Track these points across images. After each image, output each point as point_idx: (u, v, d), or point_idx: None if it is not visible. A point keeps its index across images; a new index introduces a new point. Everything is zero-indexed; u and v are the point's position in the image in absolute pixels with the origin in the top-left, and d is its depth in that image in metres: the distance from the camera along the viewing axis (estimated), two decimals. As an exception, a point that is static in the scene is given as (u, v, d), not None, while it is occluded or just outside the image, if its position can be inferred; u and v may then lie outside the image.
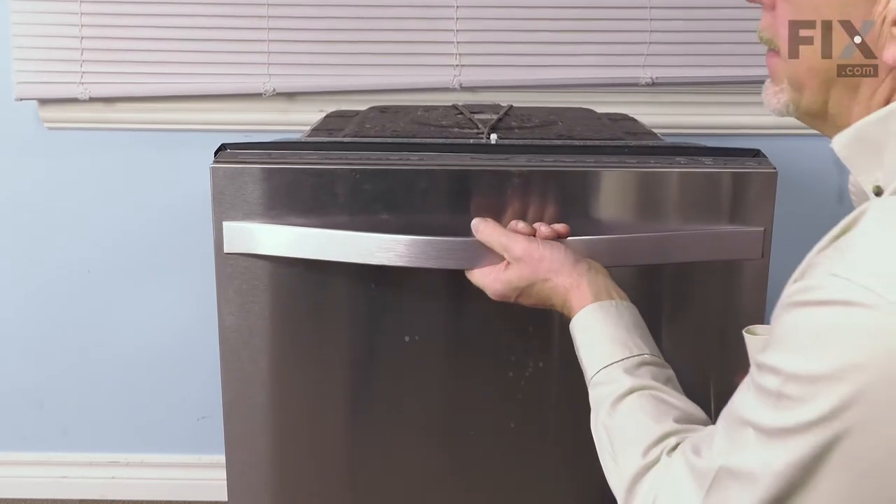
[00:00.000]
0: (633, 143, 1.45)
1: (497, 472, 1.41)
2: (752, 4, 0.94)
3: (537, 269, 1.17)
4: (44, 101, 2.14)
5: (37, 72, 2.11)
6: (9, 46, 2.09)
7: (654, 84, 2.12)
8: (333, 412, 1.40)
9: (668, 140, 1.54)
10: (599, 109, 1.86)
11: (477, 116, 1.60)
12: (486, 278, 1.22)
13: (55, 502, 2.39)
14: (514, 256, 1.19)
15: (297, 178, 1.26)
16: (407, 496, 1.42)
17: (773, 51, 0.93)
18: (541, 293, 1.18)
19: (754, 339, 0.97)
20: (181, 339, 2.27)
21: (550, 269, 1.17)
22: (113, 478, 2.40)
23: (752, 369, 0.84)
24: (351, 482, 1.43)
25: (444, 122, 1.58)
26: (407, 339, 1.34)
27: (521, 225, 1.22)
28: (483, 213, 1.25)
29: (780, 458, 0.76)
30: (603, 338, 1.09)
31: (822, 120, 0.90)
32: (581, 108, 1.87)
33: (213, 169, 1.26)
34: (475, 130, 1.48)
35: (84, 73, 2.10)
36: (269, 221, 1.27)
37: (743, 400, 0.84)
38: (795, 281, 0.79)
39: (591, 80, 2.12)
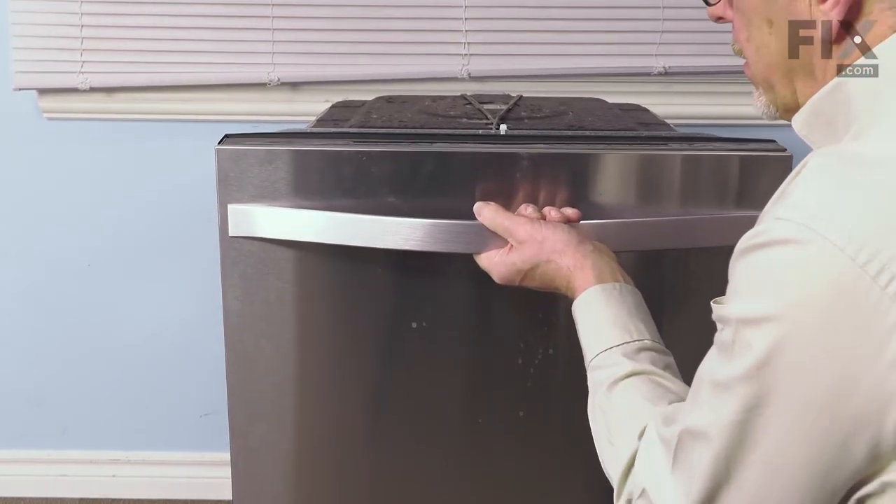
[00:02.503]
0: (646, 133, 1.46)
1: (505, 461, 1.42)
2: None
3: (540, 251, 1.19)
4: (43, 91, 2.15)
5: (36, 61, 2.12)
6: (7, 35, 2.10)
7: (666, 73, 2.13)
8: (339, 398, 1.41)
9: (682, 131, 1.55)
10: (611, 99, 1.86)
11: (486, 107, 1.60)
12: (491, 262, 1.23)
13: (55, 501, 2.40)
14: (518, 239, 1.20)
15: (303, 161, 1.28)
16: (416, 486, 1.44)
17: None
18: (544, 275, 1.19)
19: (721, 307, 0.99)
20: (183, 334, 2.29)
21: (553, 249, 1.18)
22: (114, 476, 2.41)
23: (718, 328, 0.87)
24: (358, 470, 1.44)
25: (452, 113, 1.58)
26: (414, 325, 1.35)
27: (530, 209, 1.24)
28: (491, 197, 1.26)
29: (729, 408, 0.79)
30: (604, 321, 1.11)
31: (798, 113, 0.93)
32: (592, 98, 1.88)
33: (218, 151, 1.27)
34: (484, 121, 1.48)
35: (84, 62, 2.12)
36: (274, 204, 1.28)
37: (705, 360, 0.87)
38: None
39: (602, 69, 2.13)
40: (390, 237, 1.25)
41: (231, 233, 1.29)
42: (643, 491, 0.91)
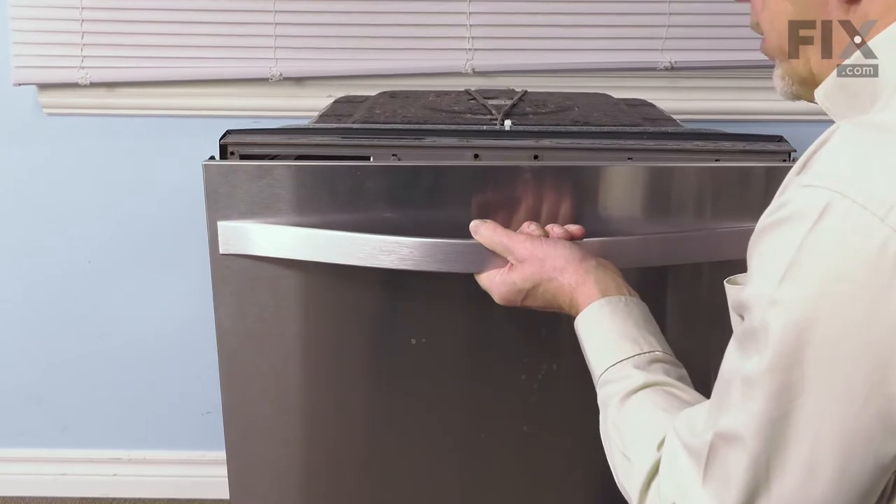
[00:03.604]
0: (652, 129, 1.46)
1: (509, 478, 1.41)
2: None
3: (542, 269, 1.16)
4: (43, 86, 2.16)
5: (36, 56, 2.13)
6: (7, 30, 2.11)
7: (672, 68, 2.13)
8: (336, 415, 1.40)
9: (688, 126, 1.56)
10: (616, 95, 1.87)
11: (490, 102, 1.61)
12: (492, 281, 1.21)
13: (55, 500, 2.41)
14: (518, 257, 1.18)
15: (296, 176, 1.25)
16: (414, 499, 1.43)
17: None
18: (546, 293, 1.16)
19: (736, 289, 0.93)
20: (185, 331, 2.30)
21: (555, 267, 1.15)
22: (114, 475, 2.42)
23: (735, 321, 0.84)
24: (356, 484, 1.43)
25: (456, 108, 1.59)
26: (413, 341, 1.33)
27: (532, 226, 1.21)
28: (490, 211, 1.24)
29: (765, 403, 0.75)
30: (612, 334, 1.07)
31: (815, 86, 0.91)
32: (598, 93, 1.88)
33: (205, 166, 1.24)
34: (489, 116, 1.49)
35: (84, 57, 2.12)
36: (266, 221, 1.25)
37: (728, 357, 0.83)
38: None
39: (608, 64, 2.14)
40: (386, 256, 1.22)
41: (221, 250, 1.27)
42: None
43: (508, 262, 1.20)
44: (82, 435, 2.41)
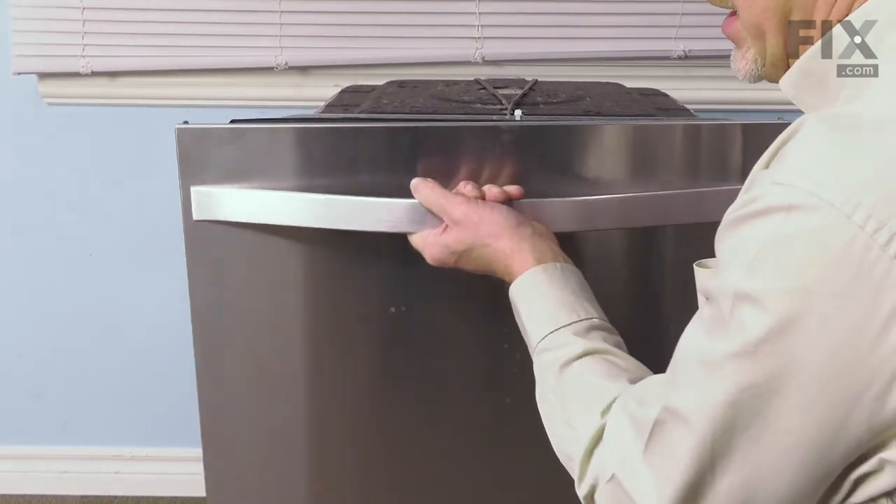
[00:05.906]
0: (666, 119, 1.47)
1: (492, 450, 1.42)
2: None
3: (476, 233, 1.17)
4: (43, 76, 2.17)
5: (36, 44, 2.13)
6: (7, 17, 2.12)
7: (686, 57, 2.14)
8: (315, 387, 1.40)
9: (702, 116, 1.57)
10: (629, 84, 1.87)
11: (500, 91, 1.61)
12: (425, 241, 1.21)
13: (55, 498, 2.43)
14: (453, 219, 1.18)
15: (269, 139, 1.25)
16: (397, 475, 1.44)
17: (732, 14, 0.99)
18: (479, 259, 1.18)
19: (705, 272, 0.96)
20: (188, 327, 2.28)
21: (490, 232, 1.16)
22: (116, 473, 2.44)
23: (701, 301, 0.86)
24: (335, 461, 1.43)
25: (465, 98, 1.59)
26: (392, 310, 1.34)
27: (469, 187, 1.21)
28: (435, 172, 1.24)
29: (720, 388, 0.77)
30: (549, 302, 1.09)
31: (787, 68, 0.93)
32: (610, 82, 1.88)
33: (178, 129, 1.24)
34: (499, 106, 1.49)
35: (86, 45, 2.13)
36: (240, 186, 1.25)
37: (688, 336, 0.85)
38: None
39: (620, 53, 2.14)
40: (366, 218, 1.23)
41: (195, 216, 1.27)
42: (612, 476, 0.88)
43: (443, 222, 1.20)
44: (83, 432, 2.43)
